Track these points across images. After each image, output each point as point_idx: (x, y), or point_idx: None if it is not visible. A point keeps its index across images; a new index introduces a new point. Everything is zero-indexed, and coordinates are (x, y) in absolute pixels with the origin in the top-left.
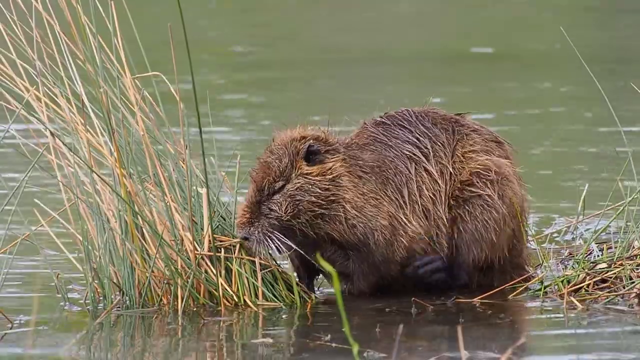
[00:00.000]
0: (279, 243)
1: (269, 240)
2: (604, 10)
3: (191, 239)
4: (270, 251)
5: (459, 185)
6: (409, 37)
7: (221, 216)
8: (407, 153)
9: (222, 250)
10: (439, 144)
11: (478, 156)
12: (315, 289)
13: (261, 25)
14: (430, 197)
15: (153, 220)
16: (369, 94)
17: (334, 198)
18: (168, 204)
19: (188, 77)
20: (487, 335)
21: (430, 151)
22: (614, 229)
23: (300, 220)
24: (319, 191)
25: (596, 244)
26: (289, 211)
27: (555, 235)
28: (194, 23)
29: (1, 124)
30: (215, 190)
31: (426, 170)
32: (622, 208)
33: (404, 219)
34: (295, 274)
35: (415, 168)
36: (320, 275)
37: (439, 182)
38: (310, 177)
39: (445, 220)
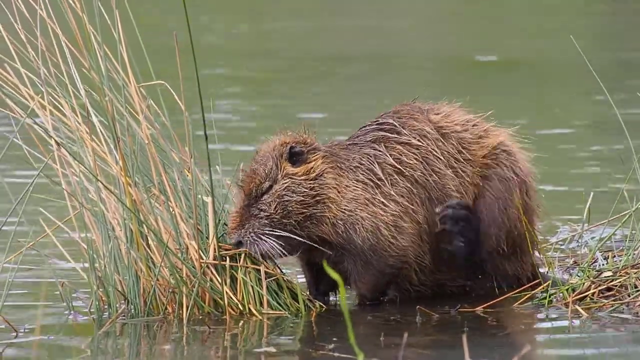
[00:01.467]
0: (273, 241)
1: (261, 239)
2: (610, 19)
3: (196, 247)
4: (265, 251)
5: (462, 157)
6: (411, 44)
7: (225, 224)
8: (372, 137)
9: (227, 258)
10: (405, 118)
11: (458, 116)
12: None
13: (266, 33)
14: (415, 161)
15: (158, 229)
16: (374, 101)
17: (319, 198)
18: (173, 212)
19: (193, 86)
20: (492, 343)
21: (398, 125)
22: (619, 237)
23: (290, 222)
24: (306, 191)
25: (601, 252)
26: (278, 210)
27: (560, 243)
28: (197, 28)
29: (6, 132)
30: (221, 198)
31: (399, 142)
32: (627, 217)
33: (381, 199)
34: (307, 290)
35: (385, 145)
36: (334, 289)
37: (422, 145)
38: (295, 177)
39: (452, 177)
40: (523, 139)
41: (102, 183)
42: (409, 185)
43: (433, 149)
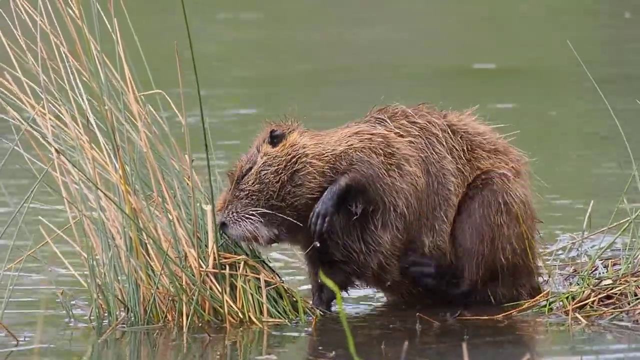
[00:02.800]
0: (256, 219)
1: (243, 219)
2: (611, 25)
3: (195, 255)
4: (250, 231)
5: (464, 155)
6: (409, 53)
7: (224, 232)
8: (375, 114)
9: (227, 267)
10: (422, 112)
11: (473, 124)
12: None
13: (268, 40)
14: (418, 139)
15: (158, 237)
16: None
17: (295, 160)
18: (172, 220)
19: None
20: (493, 351)
21: (408, 110)
22: (619, 245)
23: (269, 193)
24: (281, 159)
25: (601, 260)
26: (255, 185)
27: (559, 252)
28: (197, 36)
29: (6, 139)
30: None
31: (405, 117)
32: (626, 225)
33: (380, 140)
34: (313, 299)
35: (389, 117)
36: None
37: (429, 128)
38: (272, 153)
39: (450, 160)
40: (533, 174)
41: (102, 191)
42: (410, 148)
43: (437, 134)
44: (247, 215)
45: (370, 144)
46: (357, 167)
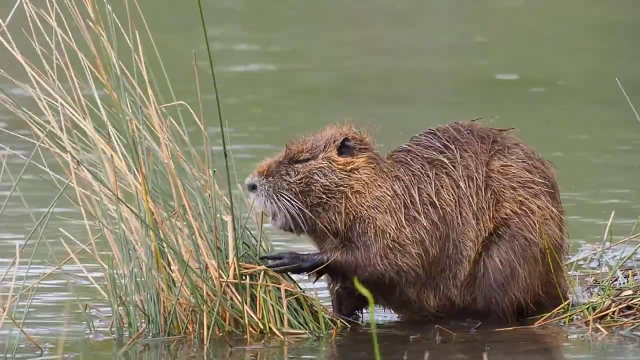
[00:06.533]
0: (286, 204)
1: (276, 197)
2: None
3: (216, 266)
4: (275, 209)
5: (489, 213)
6: (431, 63)
7: (245, 243)
8: (428, 157)
9: (247, 277)
10: (470, 152)
11: (516, 172)
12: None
13: (285, 49)
14: (451, 201)
15: (178, 248)
16: (393, 120)
17: (342, 189)
18: (193, 230)
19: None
20: None
21: (458, 158)
22: None
23: (306, 200)
24: (334, 179)
25: (621, 271)
26: (301, 184)
27: (580, 262)
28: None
29: (25, 149)
30: (240, 217)
31: (448, 175)
32: None
33: (403, 219)
34: (333, 309)
35: (436, 173)
36: (358, 308)
37: (464, 188)
38: (333, 164)
39: (473, 226)
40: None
41: (124, 202)
42: (436, 219)
43: (470, 196)
44: (279, 196)
45: (394, 231)
46: (357, 252)
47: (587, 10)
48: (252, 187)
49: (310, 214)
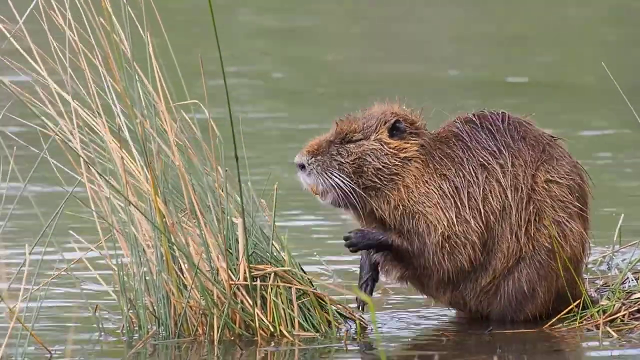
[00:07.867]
0: (337, 181)
1: (325, 174)
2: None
3: (226, 268)
4: (324, 187)
5: (527, 228)
6: (441, 66)
7: (256, 244)
8: (482, 160)
9: (258, 279)
10: (521, 161)
11: (559, 191)
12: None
13: (300, 52)
14: (496, 209)
15: (189, 251)
16: None
17: (394, 178)
18: (203, 232)
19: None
20: None
21: (509, 166)
22: None
23: (358, 182)
24: (387, 164)
25: (632, 273)
26: (354, 165)
27: (590, 265)
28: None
29: (35, 149)
30: (252, 218)
31: (497, 181)
32: None
33: (453, 215)
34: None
35: (486, 177)
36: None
37: (509, 198)
38: (385, 147)
39: (508, 239)
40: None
41: (134, 205)
42: (482, 225)
43: (515, 205)
44: (329, 175)
45: (443, 225)
46: (413, 241)
47: (602, 28)
48: (301, 167)
49: (363, 194)
